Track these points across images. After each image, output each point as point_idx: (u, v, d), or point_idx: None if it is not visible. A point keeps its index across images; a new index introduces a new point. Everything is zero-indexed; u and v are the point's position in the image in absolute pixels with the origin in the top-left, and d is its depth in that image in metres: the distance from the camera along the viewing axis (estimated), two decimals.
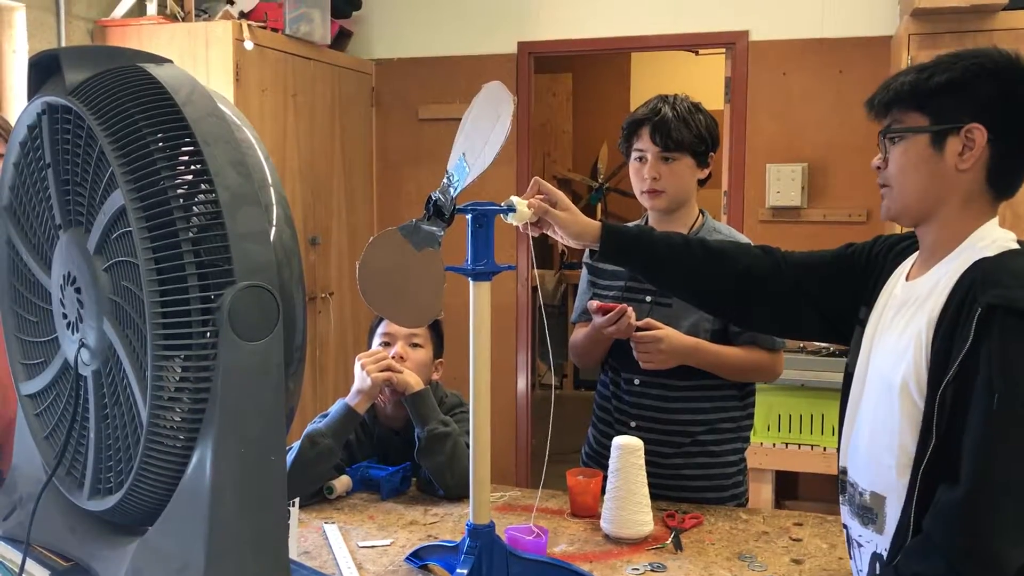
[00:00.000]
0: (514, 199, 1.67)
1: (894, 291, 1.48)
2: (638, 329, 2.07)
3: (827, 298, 1.63)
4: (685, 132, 2.13)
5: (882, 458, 1.41)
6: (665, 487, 2.11)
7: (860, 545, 1.48)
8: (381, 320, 2.38)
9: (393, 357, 2.26)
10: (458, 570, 1.58)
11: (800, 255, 1.73)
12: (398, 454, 2.31)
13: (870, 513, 1.45)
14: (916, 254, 1.50)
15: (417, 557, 1.79)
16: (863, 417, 1.48)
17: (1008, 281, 1.28)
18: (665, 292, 1.99)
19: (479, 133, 1.51)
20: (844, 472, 1.53)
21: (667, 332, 2.07)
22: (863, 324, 1.53)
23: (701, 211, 2.24)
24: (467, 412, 2.46)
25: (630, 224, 2.33)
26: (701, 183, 2.22)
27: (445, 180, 1.54)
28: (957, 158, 1.36)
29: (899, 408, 1.37)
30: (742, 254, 1.74)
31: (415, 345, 2.34)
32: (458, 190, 1.52)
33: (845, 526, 1.54)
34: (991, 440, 1.25)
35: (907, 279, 1.47)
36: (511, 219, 1.65)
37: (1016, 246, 1.37)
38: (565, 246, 6.90)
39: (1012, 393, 1.24)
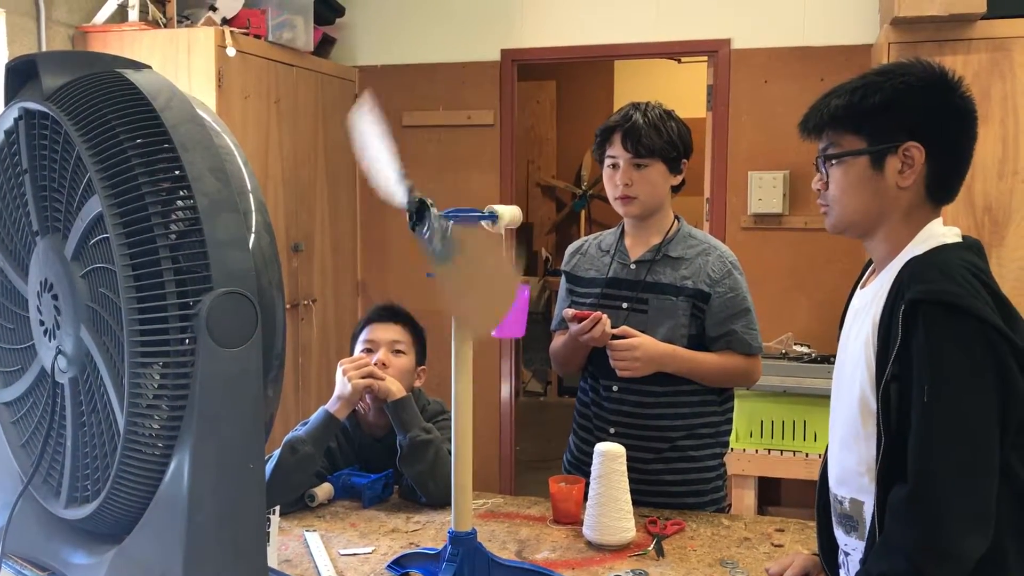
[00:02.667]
0: (496, 206, 1.67)
1: (852, 302, 1.52)
2: (614, 337, 2.08)
3: None
4: (656, 138, 2.13)
5: (852, 465, 1.44)
6: (645, 493, 2.11)
7: (847, 554, 1.49)
8: (364, 327, 2.38)
9: (376, 364, 2.25)
10: None
11: None
12: (380, 461, 2.29)
13: (851, 521, 1.46)
14: (871, 268, 1.53)
15: (398, 565, 1.78)
16: (835, 427, 1.51)
17: (930, 275, 1.31)
18: None
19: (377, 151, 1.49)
20: (825, 480, 1.55)
21: (642, 340, 2.08)
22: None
23: (677, 217, 2.25)
24: (449, 420, 2.47)
25: (582, 241, 2.36)
26: (676, 190, 2.22)
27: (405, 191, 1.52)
28: (897, 176, 1.39)
29: (859, 413, 1.40)
30: None
31: (398, 352, 2.33)
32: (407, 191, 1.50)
33: (832, 537, 1.55)
34: (928, 433, 1.28)
35: (861, 288, 1.51)
36: (493, 226, 1.64)
37: (954, 240, 1.40)
38: (549, 253, 6.85)
39: (939, 384, 1.27)
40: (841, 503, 1.48)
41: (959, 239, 1.41)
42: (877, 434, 1.36)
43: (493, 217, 1.62)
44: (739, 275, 2.17)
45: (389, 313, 2.40)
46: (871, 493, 1.39)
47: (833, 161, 1.44)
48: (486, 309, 1.45)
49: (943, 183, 1.41)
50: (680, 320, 2.12)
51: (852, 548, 1.47)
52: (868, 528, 1.40)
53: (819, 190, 1.48)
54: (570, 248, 2.40)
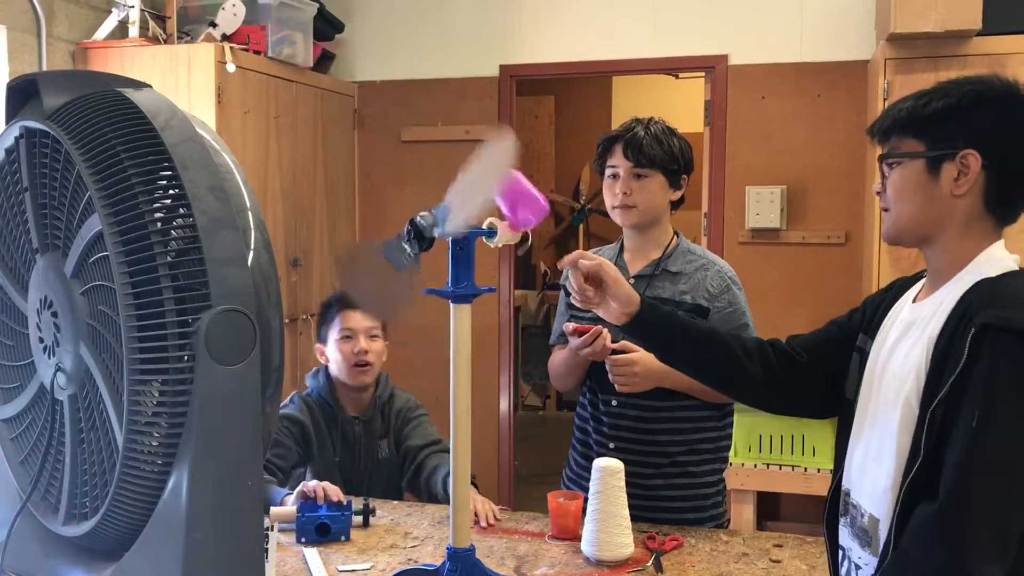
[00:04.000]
0: (495, 221, 1.68)
1: (900, 314, 1.50)
2: (614, 352, 2.08)
3: (845, 365, 1.62)
4: (657, 149, 2.15)
5: (880, 480, 1.42)
6: (645, 508, 2.11)
7: (859, 567, 1.48)
8: (336, 314, 2.53)
9: (357, 352, 2.45)
10: None
11: (802, 338, 1.71)
12: (357, 440, 2.48)
13: (866, 535, 1.45)
14: (923, 280, 1.51)
15: None
16: (868, 439, 1.48)
17: (1004, 302, 1.29)
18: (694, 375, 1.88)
19: (478, 188, 1.49)
20: (847, 494, 1.53)
21: (642, 355, 2.07)
22: (861, 351, 1.54)
23: (676, 233, 2.26)
24: (426, 415, 2.59)
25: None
26: (675, 206, 2.23)
27: (433, 214, 1.53)
28: (952, 183, 1.37)
29: (897, 428, 1.38)
30: (755, 343, 1.70)
31: (374, 337, 2.51)
32: (439, 234, 1.52)
33: (842, 547, 1.54)
34: (970, 455, 1.26)
35: (914, 301, 1.49)
36: (492, 242, 1.65)
37: (1016, 267, 1.39)
38: (548, 267, 6.85)
39: (996, 410, 1.25)
40: (863, 516, 1.46)
41: (1018, 266, 1.39)
42: (911, 451, 1.34)
43: (491, 233, 1.63)
44: (738, 290, 2.18)
45: None
46: (890, 511, 1.38)
47: (891, 163, 1.43)
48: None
49: (1003, 198, 1.39)
50: None
51: (865, 563, 1.46)
52: (883, 546, 1.39)
53: (878, 193, 1.47)
54: None
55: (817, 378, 1.64)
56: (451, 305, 1.58)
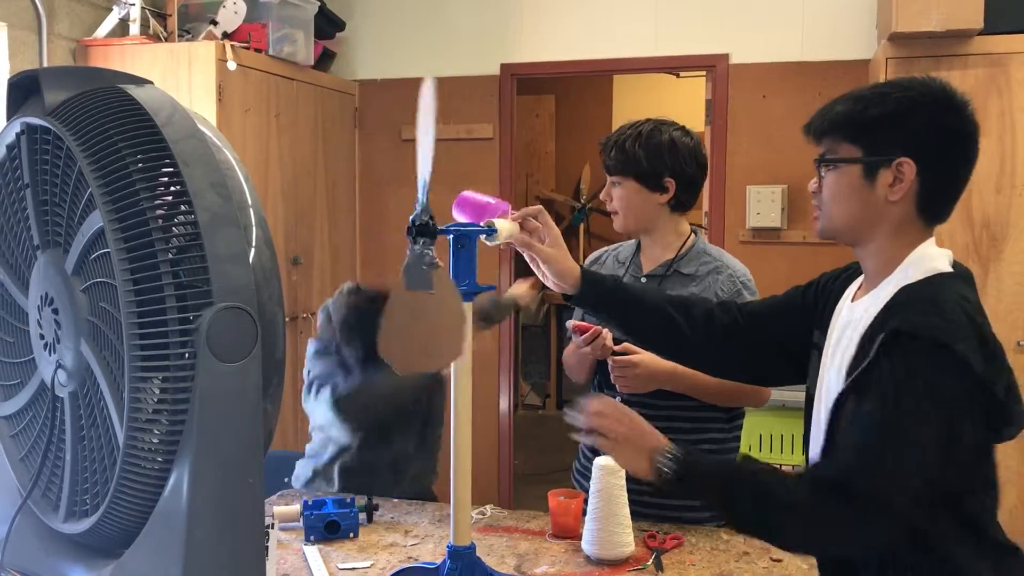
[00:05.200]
0: (495, 220, 1.67)
1: (841, 313, 1.53)
2: (615, 352, 2.08)
3: (787, 338, 1.66)
4: (619, 156, 2.15)
5: None
6: (644, 504, 2.12)
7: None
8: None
9: None
10: None
11: (755, 304, 1.80)
12: None
13: None
14: (862, 276, 1.54)
15: None
16: (815, 437, 1.53)
17: (919, 307, 1.32)
18: (639, 343, 1.98)
19: (420, 145, 1.53)
20: None
21: (643, 357, 2.07)
22: (819, 348, 1.56)
23: (695, 231, 2.25)
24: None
25: (601, 252, 2.36)
26: (674, 207, 2.21)
27: (415, 207, 1.54)
28: (888, 189, 1.40)
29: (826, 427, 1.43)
30: (706, 311, 1.75)
31: None
32: (423, 206, 1.52)
33: None
34: (864, 434, 1.31)
35: (852, 300, 1.52)
36: (491, 240, 1.65)
37: (947, 268, 1.40)
38: None
39: (896, 400, 1.28)
40: None
41: (950, 267, 1.41)
42: (823, 445, 1.41)
43: (491, 231, 1.63)
44: (749, 295, 2.17)
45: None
46: None
47: (828, 166, 1.45)
48: (425, 349, 1.44)
49: (935, 202, 1.41)
50: None
51: None
52: None
53: (814, 192, 1.50)
54: (589, 257, 2.43)
55: (757, 345, 1.69)
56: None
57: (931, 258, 1.40)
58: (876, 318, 1.37)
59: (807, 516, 1.34)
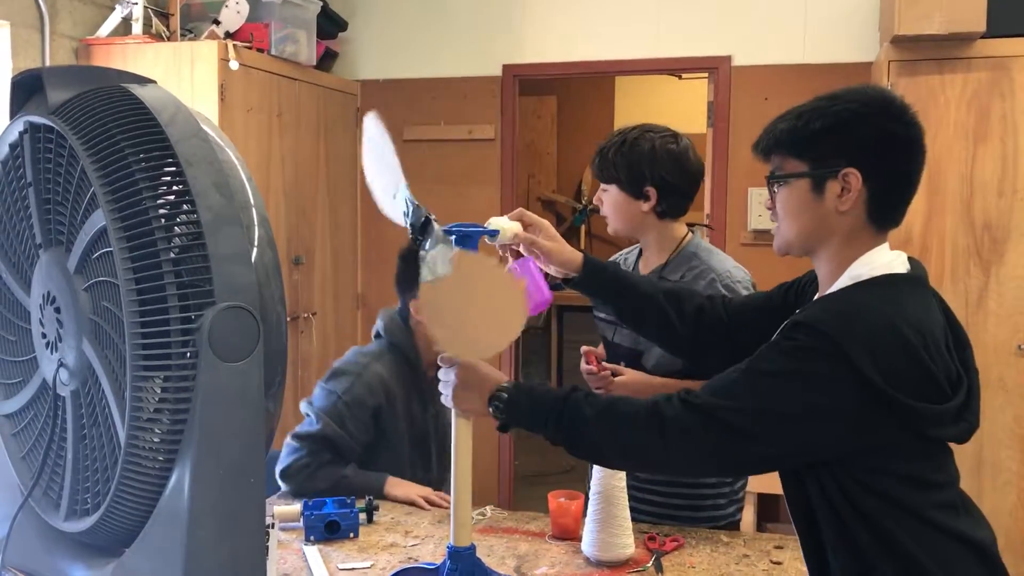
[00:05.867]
0: (497, 220, 1.67)
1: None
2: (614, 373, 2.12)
3: (768, 336, 1.66)
4: (603, 164, 2.20)
5: None
6: (639, 500, 2.14)
7: None
8: None
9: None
10: None
11: (740, 300, 1.82)
12: (428, 397, 2.40)
13: None
14: None
15: None
16: None
17: (823, 307, 1.38)
18: (632, 330, 2.00)
19: (385, 165, 1.57)
20: None
21: (626, 377, 2.09)
22: None
23: (692, 230, 2.25)
24: None
25: (614, 258, 2.36)
26: (661, 215, 2.20)
27: (408, 205, 1.54)
28: (836, 200, 1.41)
29: None
30: (697, 306, 1.78)
31: None
32: (409, 205, 1.54)
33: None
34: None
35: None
36: (494, 240, 1.65)
37: (900, 269, 1.41)
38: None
39: (759, 361, 1.35)
40: None
41: (904, 268, 1.42)
42: None
43: (494, 232, 1.63)
44: (730, 292, 2.16)
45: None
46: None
47: (778, 183, 1.47)
48: (477, 335, 1.45)
49: (884, 208, 1.42)
50: None
51: None
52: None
53: (769, 208, 1.52)
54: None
55: (739, 341, 1.70)
56: None
57: (877, 264, 1.41)
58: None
59: (649, 423, 1.38)
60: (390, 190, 1.57)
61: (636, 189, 2.18)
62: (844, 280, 1.42)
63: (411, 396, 2.41)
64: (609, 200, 2.23)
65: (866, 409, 1.29)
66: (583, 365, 2.12)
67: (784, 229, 1.48)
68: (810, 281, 1.65)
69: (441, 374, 1.55)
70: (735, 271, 2.19)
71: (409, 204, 1.52)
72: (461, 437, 1.59)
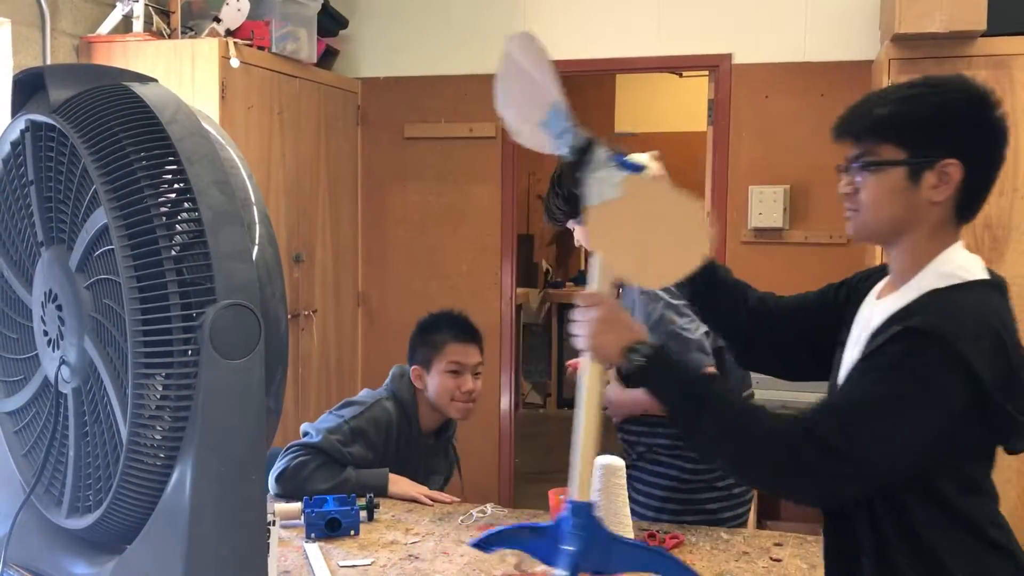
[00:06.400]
0: (638, 156, 1.54)
1: (863, 310, 1.52)
2: None
3: (814, 334, 1.65)
4: (549, 215, 2.24)
5: None
6: (643, 504, 2.15)
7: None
8: (444, 342, 2.41)
9: (465, 391, 2.39)
10: (566, 547, 1.43)
11: (788, 299, 1.75)
12: (416, 461, 2.41)
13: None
14: (888, 276, 1.53)
15: (487, 543, 1.59)
16: None
17: (935, 311, 1.34)
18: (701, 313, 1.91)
19: (530, 87, 1.49)
20: None
21: (607, 390, 2.14)
22: (843, 344, 1.55)
23: None
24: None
25: None
26: None
27: (567, 127, 1.46)
28: (931, 191, 1.39)
29: None
30: (759, 298, 1.74)
31: (478, 374, 2.45)
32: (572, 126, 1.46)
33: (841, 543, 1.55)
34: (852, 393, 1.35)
35: (877, 298, 1.51)
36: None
37: (975, 276, 1.40)
38: (549, 264, 6.81)
39: (888, 378, 1.31)
40: None
41: (985, 274, 1.41)
42: None
43: (640, 167, 1.49)
44: (644, 295, 2.15)
45: (472, 335, 2.47)
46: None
47: (869, 169, 1.43)
48: (654, 260, 1.41)
49: (972, 201, 1.42)
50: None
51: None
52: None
53: (847, 195, 1.47)
54: None
55: (784, 338, 1.68)
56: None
57: (961, 263, 1.41)
58: (892, 315, 1.37)
59: (774, 448, 1.36)
60: (534, 115, 1.48)
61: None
62: (931, 277, 1.40)
63: (404, 448, 2.41)
64: (579, 235, 2.26)
65: (968, 412, 1.29)
66: (569, 373, 2.18)
67: (868, 216, 1.44)
68: (863, 279, 1.62)
69: (579, 313, 1.46)
70: None
71: (569, 125, 1.44)
72: (591, 382, 1.47)
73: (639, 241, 1.41)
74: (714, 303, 1.73)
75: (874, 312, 1.47)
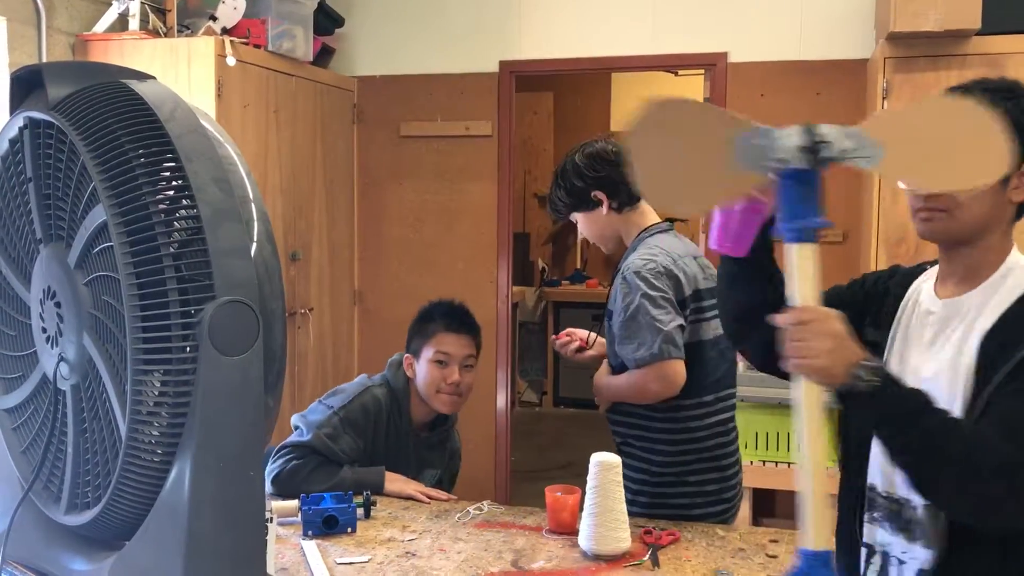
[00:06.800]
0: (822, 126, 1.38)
1: (926, 309, 1.52)
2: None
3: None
4: (553, 206, 2.33)
5: None
6: (640, 500, 2.17)
7: (903, 562, 1.49)
8: (435, 331, 2.39)
9: (451, 383, 2.36)
10: None
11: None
12: (407, 456, 2.40)
13: (921, 527, 1.46)
14: (928, 274, 1.55)
15: None
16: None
17: None
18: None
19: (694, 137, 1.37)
20: (875, 490, 1.52)
21: (596, 375, 2.24)
22: (876, 346, 1.54)
23: (649, 228, 2.26)
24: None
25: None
26: (619, 208, 2.25)
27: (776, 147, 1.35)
28: (1014, 191, 1.44)
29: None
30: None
31: (468, 367, 2.41)
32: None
33: (871, 545, 1.53)
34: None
35: (939, 296, 1.51)
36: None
37: None
38: (546, 263, 6.84)
39: None
40: (914, 508, 1.47)
41: None
42: None
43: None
44: (624, 283, 2.15)
45: (464, 324, 2.44)
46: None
47: None
48: (954, 163, 1.34)
49: None
50: (610, 336, 2.23)
51: (912, 557, 1.47)
52: (943, 534, 1.43)
53: (937, 196, 1.45)
54: None
55: None
56: (790, 249, 1.28)
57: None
58: (1009, 312, 1.40)
59: (975, 475, 1.33)
60: (712, 161, 1.34)
61: (587, 202, 2.27)
62: (1015, 271, 1.44)
63: (395, 438, 2.40)
64: (582, 227, 2.34)
65: None
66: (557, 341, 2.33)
67: (965, 216, 1.44)
68: (878, 279, 1.63)
69: (793, 331, 1.28)
70: (636, 261, 2.16)
71: (775, 133, 1.34)
72: (810, 408, 1.27)
73: (933, 152, 1.33)
74: (751, 290, 1.62)
75: (949, 309, 1.48)
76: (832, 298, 1.65)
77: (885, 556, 1.52)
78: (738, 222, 1.51)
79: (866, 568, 1.54)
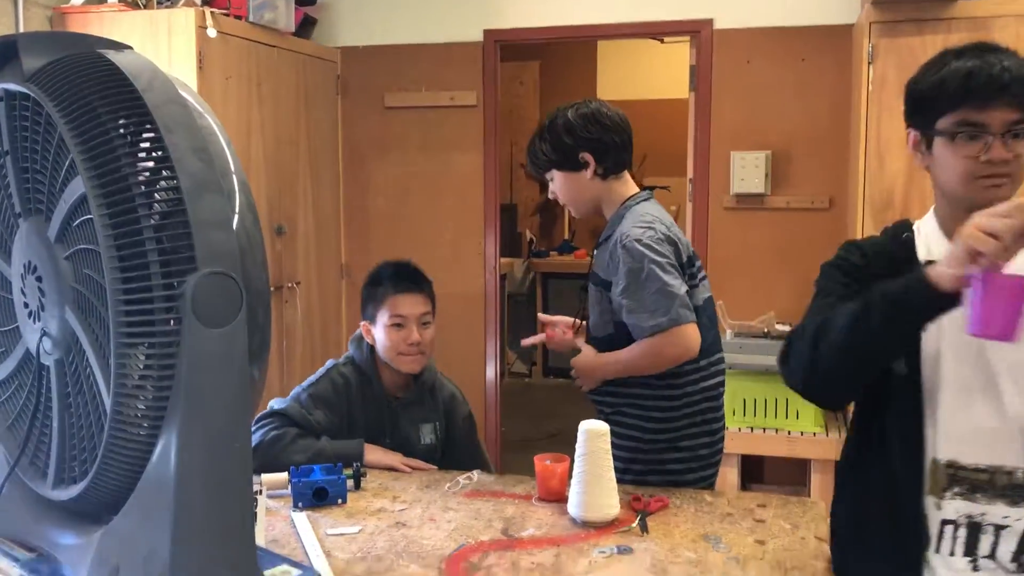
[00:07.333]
0: None
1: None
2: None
3: None
4: (533, 159, 2.30)
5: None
6: (629, 468, 2.18)
7: (1002, 527, 1.49)
8: (385, 295, 2.38)
9: (411, 343, 2.34)
10: None
11: None
12: (394, 422, 2.39)
13: (1021, 490, 1.47)
14: (924, 236, 1.57)
15: None
16: (986, 400, 1.48)
17: None
18: None
19: None
20: (953, 465, 1.51)
21: (577, 357, 2.23)
22: None
23: (637, 196, 2.25)
24: (468, 414, 2.54)
25: None
26: (604, 175, 2.23)
27: None
28: None
29: None
30: None
31: (425, 324, 2.39)
32: None
33: (949, 520, 1.52)
34: None
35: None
36: None
37: None
38: (533, 234, 6.82)
39: None
40: (1008, 473, 1.47)
41: None
42: None
43: None
44: (626, 253, 2.13)
45: (414, 282, 2.41)
46: None
47: None
48: None
49: None
50: (604, 306, 2.21)
51: (1016, 519, 1.48)
52: None
53: (1004, 160, 1.45)
54: None
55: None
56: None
57: None
58: None
59: None
60: None
61: (572, 161, 2.23)
62: None
63: (372, 408, 2.40)
64: (558, 187, 2.29)
65: None
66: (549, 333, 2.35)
67: None
68: (895, 261, 1.59)
69: (991, 221, 1.27)
70: (634, 230, 2.15)
71: None
72: None
73: None
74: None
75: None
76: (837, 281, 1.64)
77: (975, 527, 1.51)
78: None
79: (939, 543, 1.53)
